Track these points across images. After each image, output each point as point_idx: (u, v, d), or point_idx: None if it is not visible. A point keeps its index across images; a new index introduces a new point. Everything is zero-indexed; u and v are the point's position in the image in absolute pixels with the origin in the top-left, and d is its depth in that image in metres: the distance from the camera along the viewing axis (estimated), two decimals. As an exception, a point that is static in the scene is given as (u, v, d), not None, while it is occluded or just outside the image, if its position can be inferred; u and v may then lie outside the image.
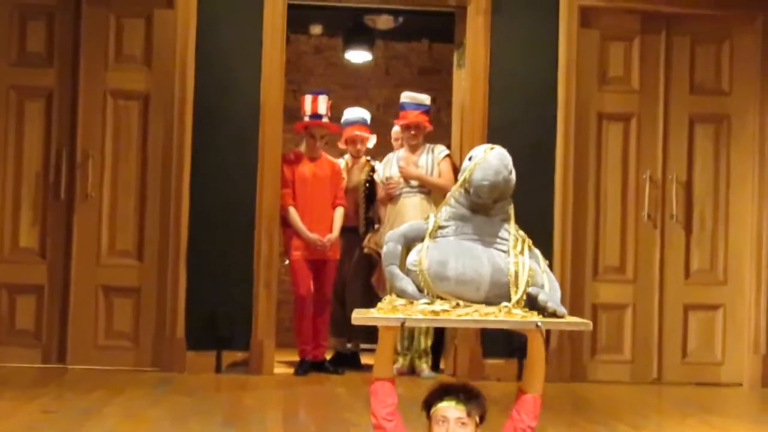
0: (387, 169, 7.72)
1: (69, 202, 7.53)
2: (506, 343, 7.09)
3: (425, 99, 8.00)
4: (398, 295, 3.79)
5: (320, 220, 7.73)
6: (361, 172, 8.16)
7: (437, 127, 8.44)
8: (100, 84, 7.54)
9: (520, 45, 7.59)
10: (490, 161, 3.77)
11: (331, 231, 7.67)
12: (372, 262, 7.89)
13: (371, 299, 7.94)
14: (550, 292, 3.77)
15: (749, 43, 7.82)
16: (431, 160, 7.50)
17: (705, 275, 7.89)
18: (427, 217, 4.00)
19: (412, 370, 7.78)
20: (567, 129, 7.46)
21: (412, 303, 3.73)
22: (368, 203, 8.19)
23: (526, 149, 6.72)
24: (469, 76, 7.62)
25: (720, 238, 7.91)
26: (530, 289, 3.73)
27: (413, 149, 7.70)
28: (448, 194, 4.03)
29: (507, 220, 3.90)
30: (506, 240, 3.86)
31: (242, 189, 7.52)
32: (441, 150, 7.58)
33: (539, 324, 3.63)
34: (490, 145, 3.89)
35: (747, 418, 6.58)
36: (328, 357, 8.15)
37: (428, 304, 3.72)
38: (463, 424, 3.60)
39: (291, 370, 7.78)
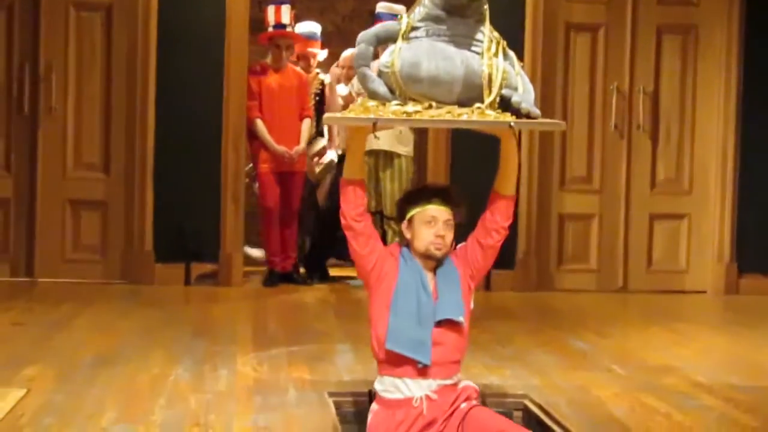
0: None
1: (33, 116, 7.52)
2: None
3: (401, 9, 7.99)
4: (370, 97, 3.79)
5: (288, 132, 7.78)
6: (311, 86, 8.27)
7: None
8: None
9: (489, -46, 7.83)
10: None
11: (298, 143, 7.75)
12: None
13: (317, 212, 8.03)
14: (524, 94, 3.78)
15: (719, -47, 8.31)
16: None
17: (671, 185, 8.03)
18: (401, 18, 4.00)
19: None
20: (534, 39, 7.52)
21: (384, 104, 3.74)
22: (318, 117, 8.25)
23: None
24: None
25: (686, 149, 8.04)
26: (504, 91, 3.74)
27: None
28: None
29: (482, 21, 3.87)
30: (481, 42, 3.83)
31: (208, 101, 7.56)
32: None
33: (512, 124, 3.65)
34: None
35: (709, 324, 6.76)
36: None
37: (400, 105, 3.77)
38: (449, 226, 3.73)
39: (259, 281, 7.86)
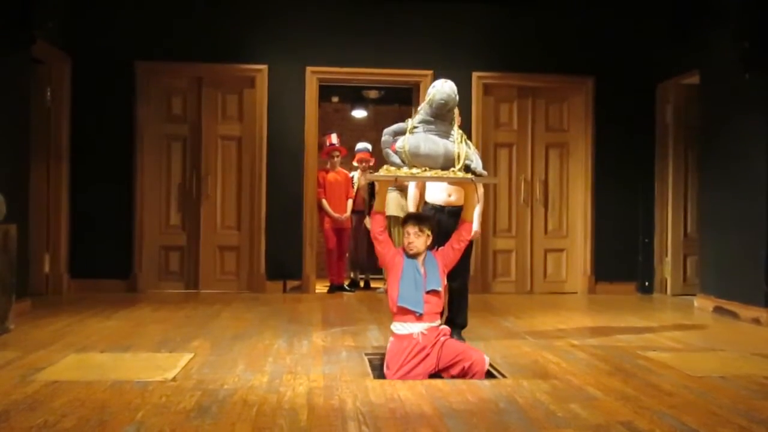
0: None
1: (198, 199, 8.46)
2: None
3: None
4: (392, 166, 4.24)
5: (339, 206, 8.69)
6: (367, 179, 8.52)
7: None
8: (215, 131, 8.45)
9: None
10: (444, 89, 4.28)
11: (345, 212, 8.64)
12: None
13: (372, 253, 8.47)
14: (476, 163, 4.24)
15: (580, 100, 8.82)
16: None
17: (556, 232, 8.80)
18: (407, 122, 4.35)
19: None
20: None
21: (399, 169, 4.21)
22: (371, 197, 8.87)
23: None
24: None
25: (564, 211, 8.81)
26: (466, 161, 4.21)
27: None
28: (419, 107, 4.41)
29: (453, 123, 4.35)
30: (452, 134, 4.31)
31: (295, 188, 8.39)
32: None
33: (472, 179, 4.16)
34: (444, 80, 4.36)
35: (579, 311, 7.34)
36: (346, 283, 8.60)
37: (408, 169, 4.21)
38: (417, 235, 4.17)
39: (325, 290, 8.64)
